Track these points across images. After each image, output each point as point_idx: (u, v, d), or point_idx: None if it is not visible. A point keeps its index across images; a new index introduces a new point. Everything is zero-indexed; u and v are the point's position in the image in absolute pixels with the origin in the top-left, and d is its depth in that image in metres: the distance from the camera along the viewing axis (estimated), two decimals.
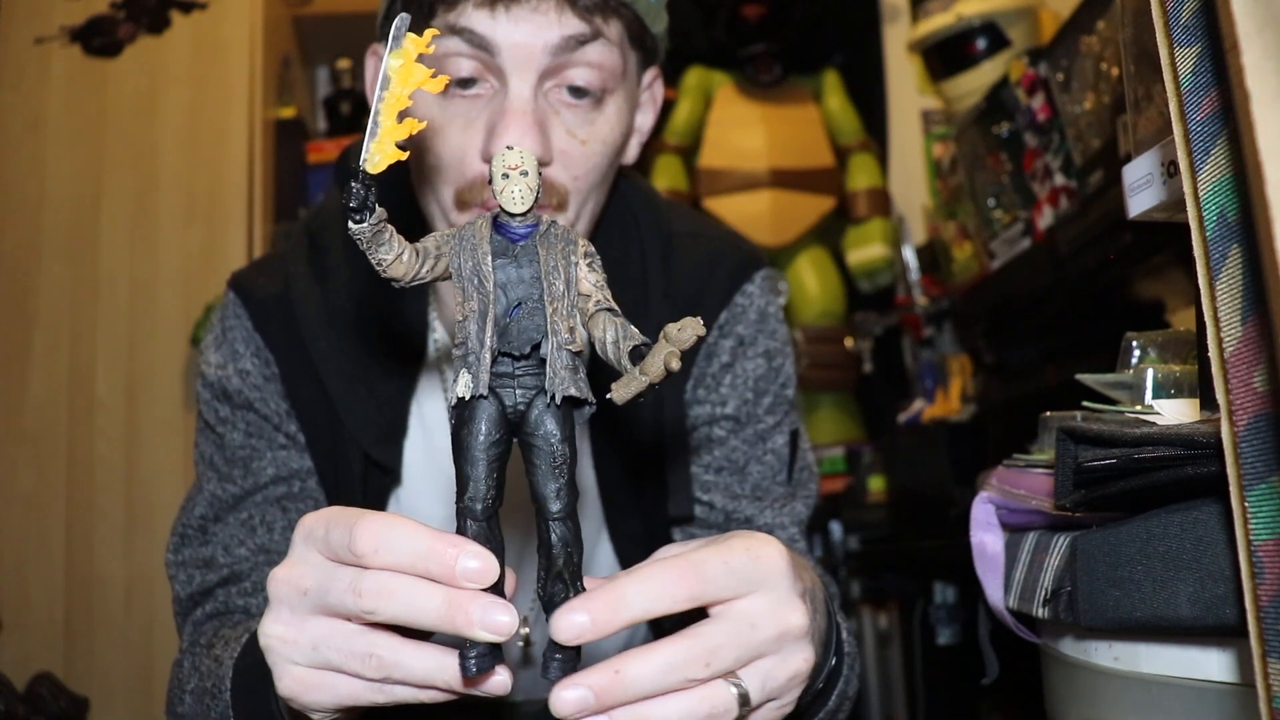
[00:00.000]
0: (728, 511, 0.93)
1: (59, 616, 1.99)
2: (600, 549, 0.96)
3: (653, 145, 2.58)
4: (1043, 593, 0.60)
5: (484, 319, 0.50)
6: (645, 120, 0.93)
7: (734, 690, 0.53)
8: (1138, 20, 0.60)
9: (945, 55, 2.10)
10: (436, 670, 0.52)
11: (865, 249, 2.56)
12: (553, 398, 0.50)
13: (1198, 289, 0.42)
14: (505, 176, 0.50)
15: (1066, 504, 0.56)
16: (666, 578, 0.52)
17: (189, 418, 2.06)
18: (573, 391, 0.50)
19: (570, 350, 0.50)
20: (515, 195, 0.50)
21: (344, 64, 2.56)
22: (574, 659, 0.52)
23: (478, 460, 0.50)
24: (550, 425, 0.51)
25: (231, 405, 0.92)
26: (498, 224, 0.52)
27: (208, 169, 2.17)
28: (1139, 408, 0.64)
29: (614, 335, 0.50)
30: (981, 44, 2.04)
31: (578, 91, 0.80)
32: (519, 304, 0.51)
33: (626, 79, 0.84)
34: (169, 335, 2.10)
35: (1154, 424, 0.54)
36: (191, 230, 2.15)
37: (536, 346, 0.51)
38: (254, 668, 0.69)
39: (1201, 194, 0.41)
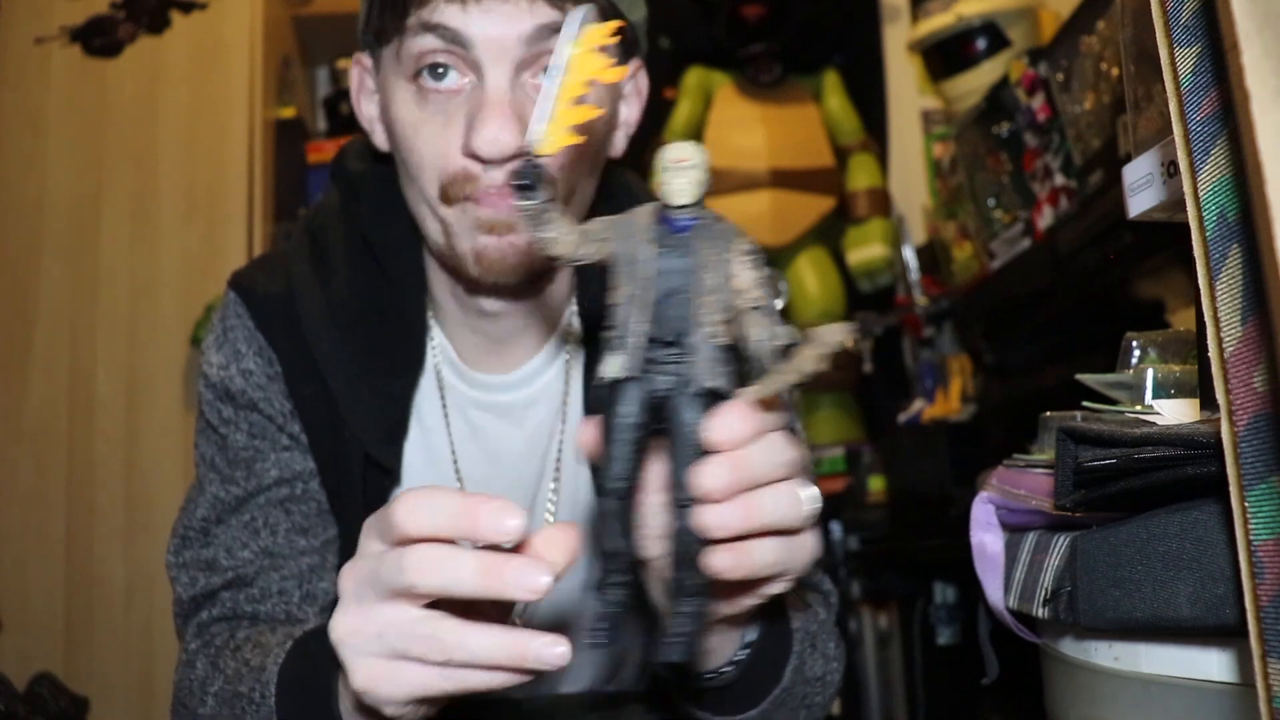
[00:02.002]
0: None
1: (59, 616, 1.99)
2: None
3: (652, 145, 2.58)
4: (1043, 593, 0.60)
5: (637, 304, 0.51)
6: (630, 113, 0.93)
7: (809, 488, 0.56)
8: (1138, 20, 0.60)
9: (945, 55, 2.10)
10: (497, 648, 0.53)
11: (865, 249, 2.56)
12: (695, 387, 0.51)
13: (1198, 289, 0.42)
14: (670, 169, 0.51)
15: (1066, 504, 0.56)
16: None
17: (189, 418, 2.06)
18: (715, 383, 0.51)
19: (716, 343, 0.51)
20: (681, 187, 0.51)
21: (344, 64, 2.56)
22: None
23: (621, 441, 0.51)
24: (689, 414, 0.51)
25: (235, 406, 0.91)
26: (661, 214, 0.52)
27: (208, 169, 2.17)
28: (1139, 408, 0.64)
29: (762, 333, 0.51)
30: (981, 44, 2.04)
31: None
32: (671, 293, 0.51)
33: None
34: (169, 335, 2.10)
35: (1154, 424, 0.54)
36: (191, 230, 2.15)
37: (684, 336, 0.52)
38: (304, 676, 0.69)
39: (1201, 194, 0.41)
